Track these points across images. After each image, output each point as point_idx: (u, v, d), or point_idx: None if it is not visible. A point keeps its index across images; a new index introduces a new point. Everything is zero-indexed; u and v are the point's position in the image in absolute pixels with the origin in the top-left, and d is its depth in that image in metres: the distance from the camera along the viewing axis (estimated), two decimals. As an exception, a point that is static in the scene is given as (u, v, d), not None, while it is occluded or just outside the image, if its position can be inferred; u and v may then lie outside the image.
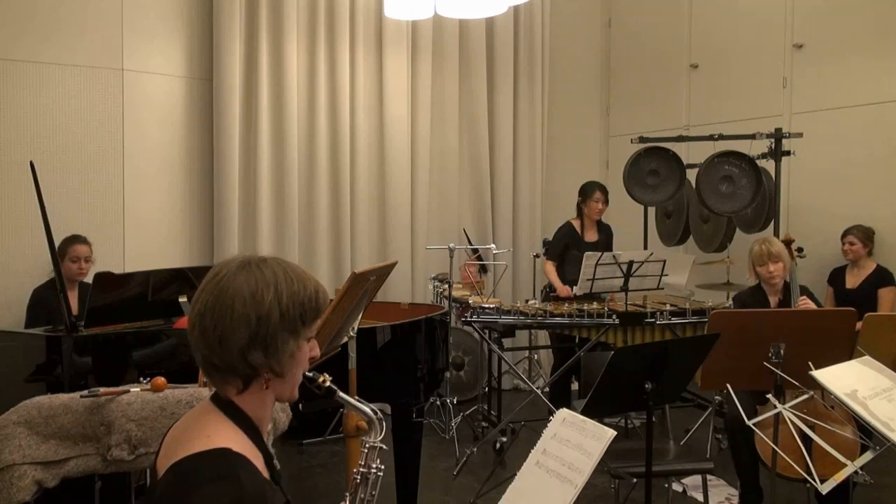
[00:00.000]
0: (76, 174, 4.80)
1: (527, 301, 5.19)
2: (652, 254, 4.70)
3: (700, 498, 3.92)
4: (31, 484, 2.48)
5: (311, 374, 1.44)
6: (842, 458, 2.33)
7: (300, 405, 3.09)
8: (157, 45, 5.11)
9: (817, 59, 5.40)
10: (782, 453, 2.80)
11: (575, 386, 5.43)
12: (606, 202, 5.30)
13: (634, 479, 3.07)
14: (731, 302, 4.41)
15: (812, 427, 2.52)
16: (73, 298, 4.27)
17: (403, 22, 5.86)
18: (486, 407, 5.48)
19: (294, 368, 1.34)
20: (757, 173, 4.87)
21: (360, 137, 5.78)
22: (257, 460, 1.29)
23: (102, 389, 2.63)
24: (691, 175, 5.26)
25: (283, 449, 4.74)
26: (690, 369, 2.97)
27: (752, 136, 4.93)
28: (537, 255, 5.95)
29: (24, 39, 4.62)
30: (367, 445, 1.54)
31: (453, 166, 6.27)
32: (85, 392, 2.62)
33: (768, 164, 4.99)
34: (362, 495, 1.51)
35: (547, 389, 5.26)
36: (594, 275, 4.56)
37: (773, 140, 4.92)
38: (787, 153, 4.99)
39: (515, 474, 1.97)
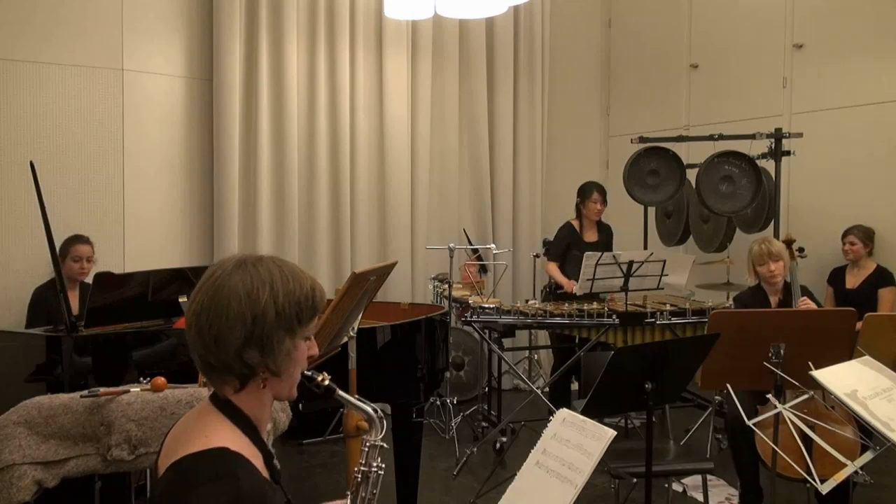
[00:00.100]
0: (76, 174, 4.80)
1: (527, 301, 5.19)
2: (652, 254, 4.69)
3: (700, 498, 3.92)
4: (31, 484, 2.49)
5: (309, 373, 1.44)
6: (842, 458, 2.33)
7: (300, 405, 3.10)
8: (157, 45, 5.11)
9: (817, 59, 5.40)
10: (782, 453, 2.80)
11: (575, 386, 5.44)
12: (605, 202, 5.30)
13: (634, 479, 3.07)
14: (731, 302, 4.41)
15: (812, 427, 2.52)
16: (74, 298, 4.27)
17: (403, 22, 5.86)
18: (486, 407, 5.48)
19: (291, 367, 1.34)
20: (757, 173, 4.87)
21: (360, 137, 5.77)
22: (256, 459, 1.29)
23: (102, 389, 2.63)
24: (691, 175, 5.26)
25: (283, 449, 4.74)
26: (690, 369, 2.97)
27: (752, 136, 4.93)
28: (537, 255, 5.96)
29: (24, 39, 4.62)
30: (367, 444, 1.54)
31: (453, 166, 6.27)
32: (85, 392, 2.62)
33: (768, 164, 4.99)
34: (363, 494, 1.51)
35: (547, 389, 5.26)
36: (594, 275, 4.56)
37: (773, 140, 4.92)
38: (787, 153, 4.98)
39: (515, 474, 1.97)
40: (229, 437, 1.27)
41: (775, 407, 2.59)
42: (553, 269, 5.27)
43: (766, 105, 5.66)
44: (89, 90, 4.83)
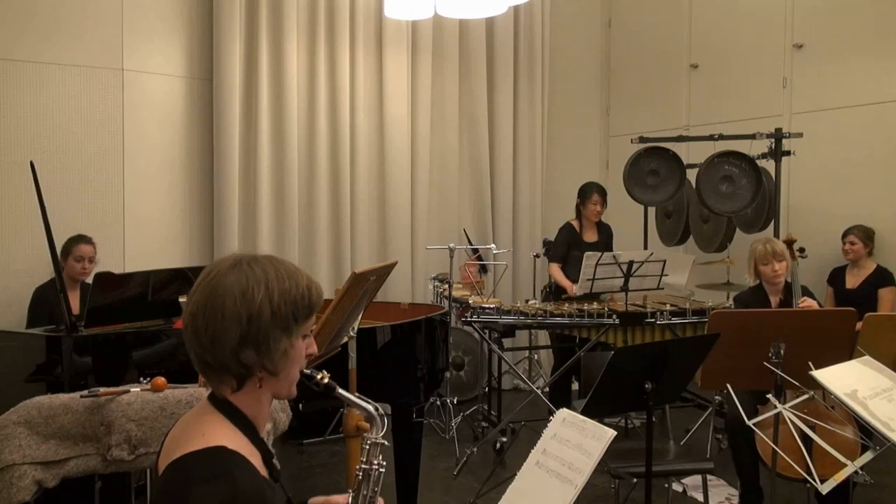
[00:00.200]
0: (76, 174, 4.80)
1: (527, 301, 5.19)
2: (652, 254, 4.69)
3: (700, 498, 3.92)
4: (31, 484, 2.49)
5: (309, 372, 1.44)
6: (842, 458, 2.33)
7: (300, 405, 3.10)
8: (157, 45, 5.11)
9: (817, 59, 5.40)
10: (782, 453, 2.80)
11: (575, 386, 5.43)
12: (605, 204, 5.30)
13: (634, 479, 3.07)
14: (731, 302, 4.41)
15: (812, 427, 2.52)
16: (75, 298, 4.27)
17: (403, 22, 5.86)
18: (486, 407, 5.48)
19: (288, 366, 1.34)
20: (757, 173, 4.87)
21: (360, 137, 5.78)
22: (254, 458, 1.29)
23: (102, 389, 2.63)
24: (691, 175, 5.26)
25: (283, 449, 4.74)
26: (690, 369, 2.97)
27: (752, 136, 4.93)
28: (537, 255, 5.96)
29: (24, 39, 4.62)
30: (368, 442, 1.54)
31: (453, 166, 6.27)
32: (85, 392, 2.62)
33: (768, 164, 4.99)
34: (365, 492, 1.52)
35: (547, 389, 5.26)
36: (594, 275, 4.56)
37: (773, 140, 4.92)
38: (787, 153, 4.99)
39: (515, 474, 1.97)
40: (227, 436, 1.28)
41: (775, 407, 2.59)
42: (556, 271, 5.26)
43: (766, 105, 5.66)
44: (89, 90, 4.83)
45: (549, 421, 2.03)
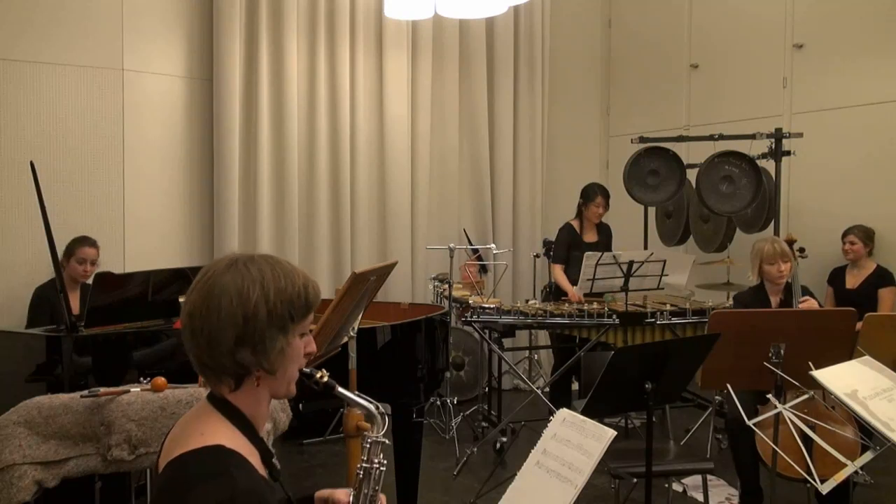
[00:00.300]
0: (76, 174, 4.80)
1: (527, 301, 5.19)
2: (652, 254, 4.70)
3: (700, 498, 3.92)
4: (31, 484, 2.49)
5: (308, 371, 1.44)
6: (842, 458, 2.33)
7: (300, 405, 3.10)
8: (157, 45, 5.11)
9: (817, 59, 5.40)
10: (782, 453, 2.80)
11: (575, 386, 5.43)
12: (607, 207, 5.30)
13: (634, 479, 3.07)
14: (731, 302, 4.41)
15: (812, 427, 2.52)
16: (75, 299, 4.27)
17: (403, 22, 5.86)
18: (486, 407, 5.48)
19: (286, 365, 1.34)
20: (757, 173, 4.87)
21: (360, 137, 5.78)
22: (253, 457, 1.29)
23: (102, 389, 2.63)
24: (691, 175, 5.26)
25: (283, 449, 4.74)
26: (690, 369, 2.97)
27: (753, 136, 4.93)
28: (537, 255, 5.95)
29: (24, 39, 4.62)
30: (369, 440, 1.54)
31: (453, 166, 6.27)
32: (85, 392, 2.62)
33: (768, 164, 4.99)
34: (366, 490, 1.52)
35: (547, 389, 5.26)
36: (594, 275, 4.56)
37: (773, 140, 4.92)
38: (788, 153, 4.98)
39: (515, 474, 1.97)
40: (226, 436, 1.28)
41: (775, 407, 2.59)
42: (559, 274, 5.25)
43: (766, 105, 5.66)
44: (89, 90, 4.84)
45: (549, 421, 2.03)
